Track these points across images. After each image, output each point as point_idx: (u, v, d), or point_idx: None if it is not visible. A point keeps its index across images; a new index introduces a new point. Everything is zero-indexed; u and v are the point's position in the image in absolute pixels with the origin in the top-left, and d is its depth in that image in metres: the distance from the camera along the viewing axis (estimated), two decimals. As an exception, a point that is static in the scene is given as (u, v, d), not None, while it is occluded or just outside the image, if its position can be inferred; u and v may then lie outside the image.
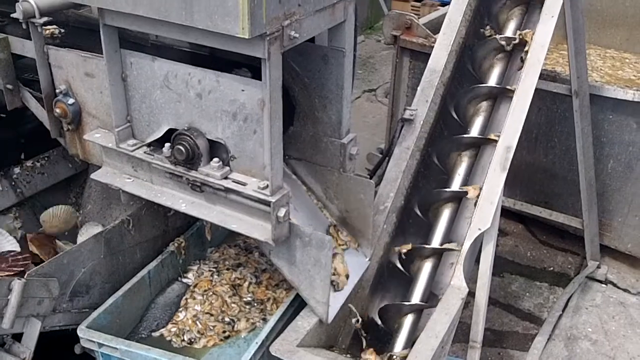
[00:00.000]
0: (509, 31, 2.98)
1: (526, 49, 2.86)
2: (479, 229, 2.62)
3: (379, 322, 2.67)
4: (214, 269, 2.85)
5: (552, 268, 4.28)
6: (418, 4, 8.02)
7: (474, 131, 2.86)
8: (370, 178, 3.09)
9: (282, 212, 2.11)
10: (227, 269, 2.85)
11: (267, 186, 2.09)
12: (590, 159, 3.75)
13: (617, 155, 3.89)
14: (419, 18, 4.55)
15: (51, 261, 2.42)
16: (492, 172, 2.68)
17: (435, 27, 3.47)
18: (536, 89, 3.57)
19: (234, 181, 2.15)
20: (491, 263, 2.74)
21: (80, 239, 2.86)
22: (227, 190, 2.16)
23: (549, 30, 2.81)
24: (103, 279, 2.62)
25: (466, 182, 2.80)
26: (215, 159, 2.17)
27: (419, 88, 2.93)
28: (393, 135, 2.96)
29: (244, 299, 2.74)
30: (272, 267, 2.83)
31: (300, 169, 2.64)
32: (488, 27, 3.03)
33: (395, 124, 3.00)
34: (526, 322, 3.83)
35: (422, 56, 3.98)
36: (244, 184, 2.14)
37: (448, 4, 3.17)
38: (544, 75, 3.74)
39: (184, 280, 2.83)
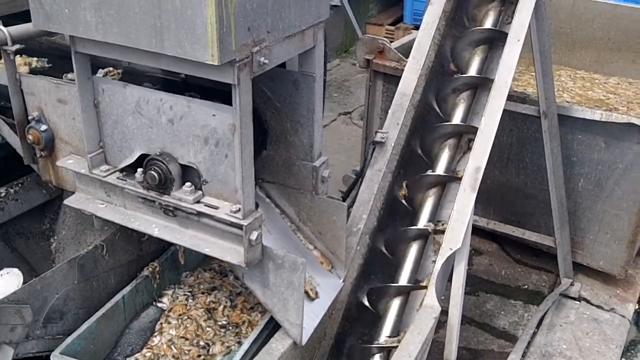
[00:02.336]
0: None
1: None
2: (451, 249, 2.66)
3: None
4: (189, 293, 2.86)
5: (526, 286, 4.32)
6: (392, 27, 8.13)
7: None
8: (345, 200, 3.13)
9: (254, 235, 2.13)
10: (202, 293, 2.86)
11: (239, 210, 2.11)
12: (560, 178, 3.82)
13: (587, 174, 3.96)
14: (392, 42, 4.63)
15: (24, 287, 2.41)
16: (462, 193, 2.72)
17: (407, 50, 3.52)
18: (507, 111, 3.66)
19: (206, 205, 2.18)
20: (463, 282, 2.77)
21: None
22: (200, 214, 2.19)
23: (515, 53, 2.88)
24: (77, 305, 2.61)
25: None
26: (188, 184, 2.19)
27: (389, 111, 2.98)
28: (366, 157, 3.01)
29: (219, 323, 2.74)
30: (247, 290, 2.84)
31: (273, 192, 2.67)
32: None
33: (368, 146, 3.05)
34: (501, 340, 3.86)
35: (394, 79, 4.03)
36: (216, 208, 2.16)
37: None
38: (514, 97, 3.81)
39: (159, 304, 2.83)
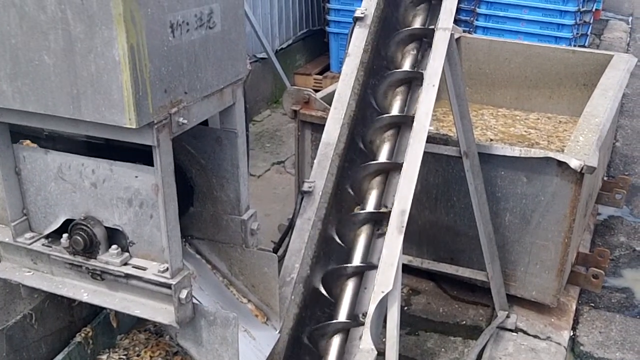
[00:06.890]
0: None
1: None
2: (382, 292, 2.71)
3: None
4: (124, 356, 2.82)
5: (464, 322, 4.40)
6: (320, 76, 8.28)
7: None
8: (277, 249, 3.16)
9: (184, 294, 2.14)
10: (138, 355, 2.82)
11: (167, 269, 2.12)
12: (486, 214, 3.94)
13: (512, 208, 4.10)
14: (319, 91, 4.74)
15: (-51, 365, 2.35)
16: (389, 236, 2.78)
17: (332, 100, 3.63)
18: (432, 153, 3.80)
19: (133, 267, 2.18)
20: (398, 323, 2.81)
21: None
22: (128, 276, 2.18)
23: (431, 98, 2.99)
24: (7, 378, 2.55)
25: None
26: (114, 246, 2.19)
27: (315, 161, 3.05)
28: (295, 207, 3.05)
29: (157, 384, 2.72)
30: (183, 350, 2.81)
31: (203, 248, 2.68)
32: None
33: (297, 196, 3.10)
34: (443, 378, 3.91)
35: (322, 128, 4.11)
36: (144, 269, 2.16)
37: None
38: (437, 139, 3.94)
39: (94, 370, 2.78)
